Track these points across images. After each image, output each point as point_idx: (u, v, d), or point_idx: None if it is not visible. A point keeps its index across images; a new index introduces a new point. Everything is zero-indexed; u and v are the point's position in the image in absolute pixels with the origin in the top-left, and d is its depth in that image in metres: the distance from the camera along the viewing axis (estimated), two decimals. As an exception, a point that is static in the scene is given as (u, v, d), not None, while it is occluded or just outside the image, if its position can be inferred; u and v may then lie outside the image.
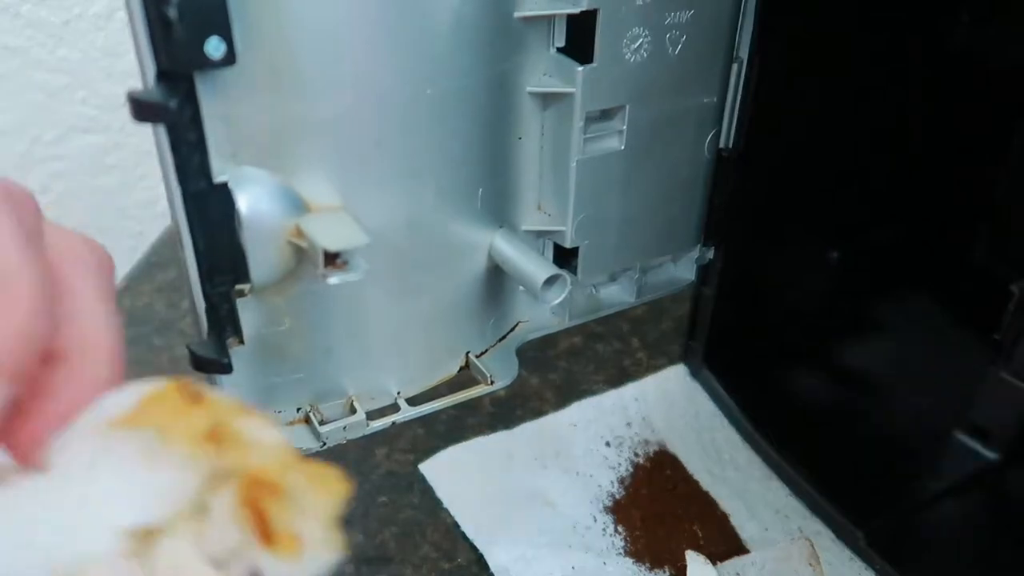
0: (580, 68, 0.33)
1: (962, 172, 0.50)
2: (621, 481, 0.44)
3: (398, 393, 0.36)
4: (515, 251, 0.35)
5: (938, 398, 0.47)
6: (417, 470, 0.45)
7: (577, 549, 0.41)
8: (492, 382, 0.37)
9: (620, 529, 0.42)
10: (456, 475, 0.45)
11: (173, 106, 0.25)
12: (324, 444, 0.33)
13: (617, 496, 0.44)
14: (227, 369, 0.30)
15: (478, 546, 0.41)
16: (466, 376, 0.38)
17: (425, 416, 0.48)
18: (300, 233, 0.28)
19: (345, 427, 0.34)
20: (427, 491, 0.44)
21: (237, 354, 0.31)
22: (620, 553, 0.41)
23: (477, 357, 0.38)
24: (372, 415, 0.35)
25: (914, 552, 0.40)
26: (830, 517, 0.42)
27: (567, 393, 0.50)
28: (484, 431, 0.47)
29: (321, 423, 0.34)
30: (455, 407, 0.49)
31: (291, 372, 0.33)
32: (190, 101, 0.25)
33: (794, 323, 0.52)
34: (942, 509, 0.42)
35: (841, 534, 0.42)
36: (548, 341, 0.55)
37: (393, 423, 0.35)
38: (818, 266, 0.50)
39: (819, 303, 0.52)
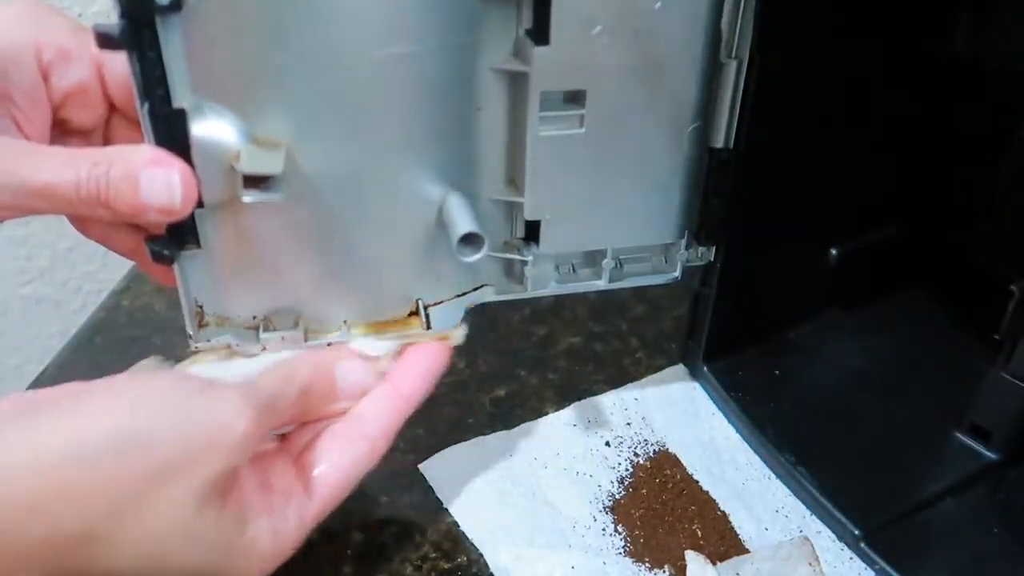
0: (536, 49, 0.34)
1: (962, 172, 0.50)
2: (621, 481, 0.44)
3: (345, 322, 0.39)
4: (452, 208, 0.37)
5: (938, 398, 0.47)
6: (417, 470, 0.45)
7: (577, 549, 0.41)
8: (428, 327, 0.39)
9: (620, 529, 0.42)
10: (456, 475, 0.45)
11: (128, 40, 0.29)
12: (264, 348, 0.38)
13: (617, 496, 0.44)
14: (169, 261, 0.35)
15: (478, 546, 0.41)
16: (416, 321, 0.40)
17: (425, 415, 0.48)
18: (238, 158, 0.32)
19: (283, 337, 0.38)
20: (427, 491, 0.44)
21: (199, 258, 0.36)
22: (620, 553, 0.41)
23: (428, 306, 0.40)
24: (314, 335, 0.39)
25: (914, 552, 0.40)
26: (830, 517, 0.42)
27: (567, 393, 0.50)
28: (484, 431, 0.47)
29: (266, 330, 0.38)
30: (455, 407, 0.49)
31: (247, 283, 0.37)
32: (152, 39, 0.30)
33: (793, 323, 0.52)
34: (942, 509, 0.42)
35: (841, 534, 0.42)
36: (548, 341, 0.55)
37: (328, 343, 0.39)
38: (818, 265, 0.50)
39: (818, 302, 0.52)
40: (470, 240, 0.36)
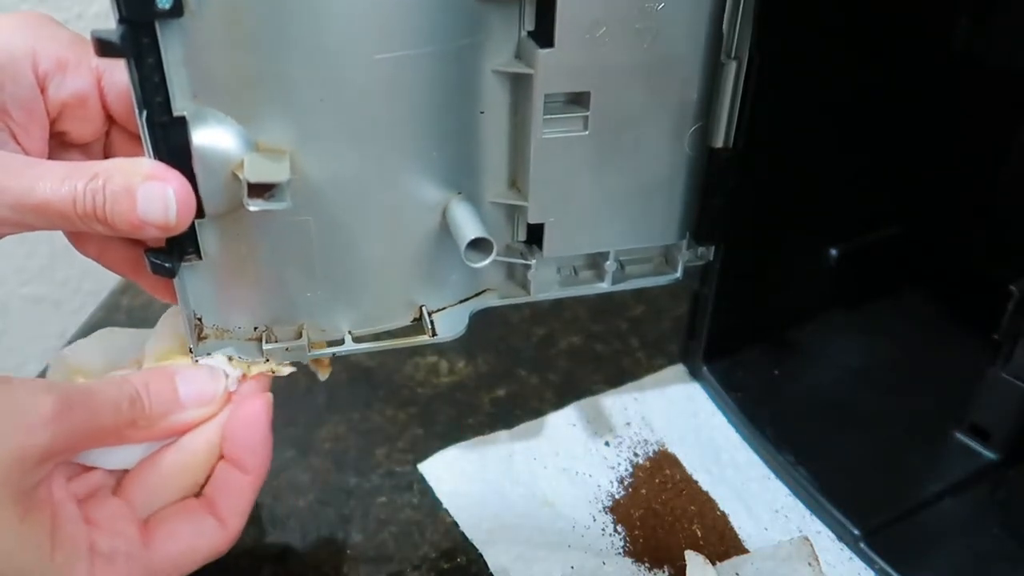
0: (540, 51, 0.34)
1: (962, 172, 0.50)
2: (620, 481, 0.44)
3: (349, 332, 0.38)
4: (458, 213, 0.36)
5: (938, 398, 0.47)
6: (417, 470, 0.45)
7: (576, 549, 0.41)
8: (434, 334, 0.39)
9: (619, 529, 0.42)
10: (456, 475, 0.45)
11: (127, 46, 0.29)
12: (267, 359, 0.37)
13: (616, 496, 0.44)
14: (171, 273, 0.33)
15: (478, 546, 0.41)
16: (419, 328, 0.40)
17: (424, 416, 0.49)
18: (241, 167, 0.32)
19: (288, 348, 0.37)
20: (427, 491, 0.44)
21: (198, 269, 0.35)
22: (619, 553, 0.41)
23: (431, 312, 0.39)
24: (318, 344, 0.38)
25: (914, 552, 0.40)
26: (830, 517, 0.42)
27: (567, 393, 0.50)
28: (484, 431, 0.47)
29: (268, 342, 0.37)
30: (455, 407, 0.49)
31: (248, 294, 0.37)
32: (152, 45, 0.29)
33: (793, 323, 0.52)
34: (942, 509, 0.42)
35: (841, 534, 0.42)
36: (548, 341, 0.55)
37: (334, 354, 0.38)
38: (817, 266, 0.50)
39: (818, 302, 0.52)
40: (478, 245, 0.35)
